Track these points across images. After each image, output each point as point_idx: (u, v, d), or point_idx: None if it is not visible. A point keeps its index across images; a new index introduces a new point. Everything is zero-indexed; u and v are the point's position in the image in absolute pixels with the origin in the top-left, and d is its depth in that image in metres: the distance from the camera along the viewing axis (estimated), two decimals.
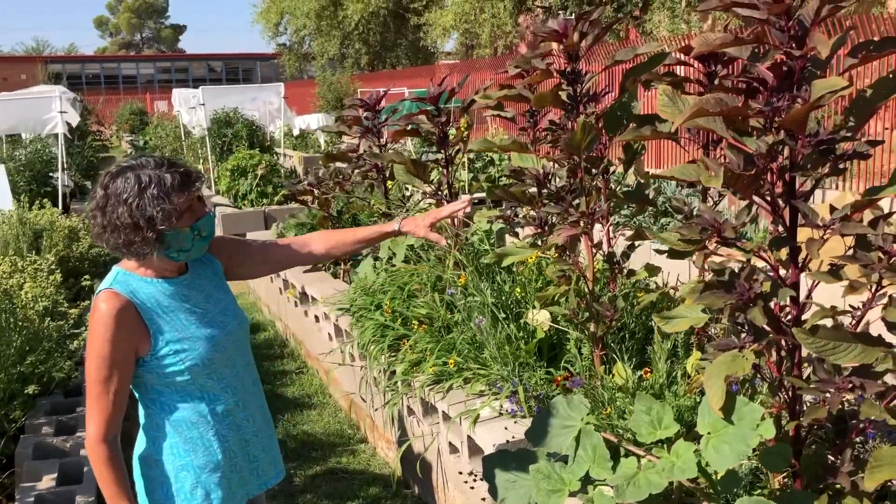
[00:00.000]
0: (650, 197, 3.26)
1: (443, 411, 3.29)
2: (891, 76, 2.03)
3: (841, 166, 2.04)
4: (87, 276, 5.05)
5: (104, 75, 53.26)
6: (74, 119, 10.31)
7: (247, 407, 2.20)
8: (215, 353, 2.09)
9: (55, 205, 7.43)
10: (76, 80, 49.41)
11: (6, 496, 3.17)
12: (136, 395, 2.12)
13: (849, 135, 2.02)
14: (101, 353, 1.94)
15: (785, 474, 2.34)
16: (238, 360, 2.20)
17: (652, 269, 3.32)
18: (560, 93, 3.00)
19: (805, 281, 2.23)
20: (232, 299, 2.24)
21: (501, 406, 3.06)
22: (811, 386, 2.05)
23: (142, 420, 2.13)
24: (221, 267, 2.26)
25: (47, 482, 3.15)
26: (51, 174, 10.10)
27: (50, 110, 9.72)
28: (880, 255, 1.96)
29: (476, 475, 3.06)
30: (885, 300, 2.05)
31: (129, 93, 43.06)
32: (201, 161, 12.23)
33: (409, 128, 4.09)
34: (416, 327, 3.73)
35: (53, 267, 4.76)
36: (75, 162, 12.46)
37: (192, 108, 12.68)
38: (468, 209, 2.62)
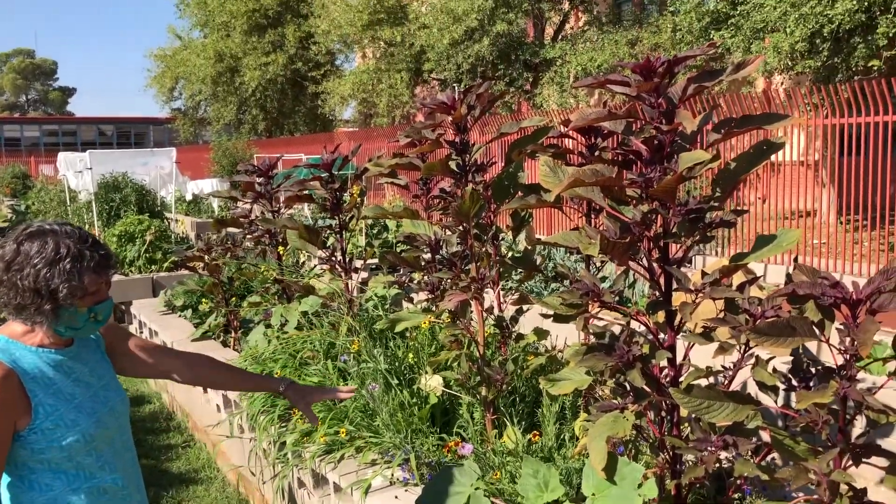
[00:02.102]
0: (538, 263, 3.36)
1: (334, 482, 3.22)
2: (751, 151, 2.19)
3: (710, 234, 2.16)
4: None
5: None
6: None
7: (125, 486, 2.09)
8: (97, 430, 1.98)
9: None
10: None
11: None
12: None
13: (716, 204, 2.16)
14: None
15: None
16: (117, 437, 2.09)
17: (540, 333, 3.39)
18: (450, 162, 3.08)
19: (682, 343, 2.33)
20: (113, 375, 2.14)
21: (393, 475, 3.02)
22: (689, 445, 2.12)
23: (6, 501, 1.98)
24: (104, 343, 2.17)
25: None
26: None
27: None
28: (747, 317, 2.07)
29: None
30: (752, 360, 2.17)
31: (12, 155, 41.26)
32: (87, 226, 11.77)
33: (302, 193, 4.09)
34: None
35: None
36: None
37: (78, 172, 12.25)
38: (352, 395, 2.55)
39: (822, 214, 9.53)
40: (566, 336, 3.95)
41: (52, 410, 1.91)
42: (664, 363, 2.28)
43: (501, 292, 3.48)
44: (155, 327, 6.37)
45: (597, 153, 2.92)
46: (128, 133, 54.48)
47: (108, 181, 11.52)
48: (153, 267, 8.88)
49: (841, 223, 9.03)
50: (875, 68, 9.55)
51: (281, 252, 4.89)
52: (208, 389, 4.86)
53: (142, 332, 6.80)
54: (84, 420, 1.95)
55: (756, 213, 9.10)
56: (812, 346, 4.10)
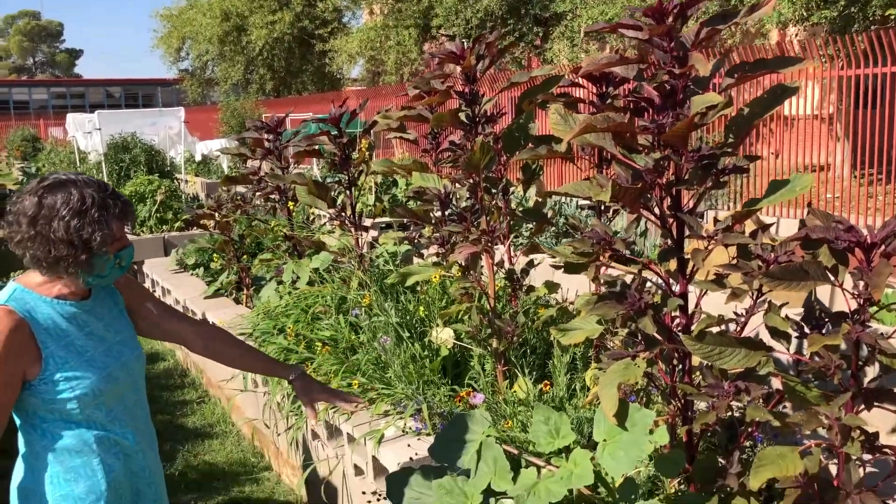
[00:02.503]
0: (548, 216, 3.35)
1: (347, 433, 3.26)
2: (765, 95, 2.16)
3: (722, 180, 2.14)
4: None
5: None
6: None
7: (136, 440, 2.10)
8: (107, 385, 2.00)
9: None
10: None
11: None
12: (17, 420, 2.00)
13: (729, 150, 2.13)
14: None
15: (679, 479, 2.41)
16: (129, 394, 2.10)
17: (551, 286, 3.39)
18: (459, 114, 3.05)
19: (694, 292, 2.33)
20: (133, 332, 2.15)
21: (406, 425, 3.05)
22: (701, 392, 2.12)
23: (21, 448, 2.01)
24: (123, 300, 2.18)
25: None
26: None
27: None
28: (759, 263, 2.06)
29: (381, 495, 3.04)
30: (765, 306, 2.16)
31: (21, 119, 41.23)
32: None
33: (311, 148, 4.07)
34: (320, 349, 3.69)
35: None
36: None
37: (87, 133, 12.24)
38: (360, 408, 2.42)
39: (836, 168, 9.43)
40: (577, 289, 3.95)
41: (62, 363, 1.93)
42: (676, 312, 2.27)
43: (512, 247, 3.47)
44: (167, 286, 6.41)
45: (608, 102, 2.89)
46: (136, 95, 54.30)
47: (118, 142, 11.52)
48: (164, 227, 8.92)
49: (855, 177, 8.94)
50: (893, 17, 9.36)
51: (291, 208, 4.89)
52: None
53: (154, 291, 6.84)
54: (94, 374, 1.97)
55: (769, 168, 9.02)
56: (825, 298, 4.09)
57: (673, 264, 2.27)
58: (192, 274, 6.45)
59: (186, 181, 12.11)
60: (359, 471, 3.25)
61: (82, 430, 1.98)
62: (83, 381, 1.95)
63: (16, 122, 37.44)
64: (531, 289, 3.34)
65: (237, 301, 5.55)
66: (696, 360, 2.34)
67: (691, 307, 2.29)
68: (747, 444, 2.64)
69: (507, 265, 3.37)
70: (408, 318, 3.61)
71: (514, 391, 2.94)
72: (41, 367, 1.91)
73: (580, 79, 2.95)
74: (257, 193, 5.01)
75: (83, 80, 61.11)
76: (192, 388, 5.68)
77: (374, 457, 3.05)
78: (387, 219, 8.07)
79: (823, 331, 2.04)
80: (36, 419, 1.96)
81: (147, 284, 7.25)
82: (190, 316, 2.39)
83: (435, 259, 3.57)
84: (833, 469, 2.25)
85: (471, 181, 3.06)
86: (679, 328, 2.27)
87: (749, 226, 2.58)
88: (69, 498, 1.96)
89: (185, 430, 4.90)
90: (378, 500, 3.04)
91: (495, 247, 3.20)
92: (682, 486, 2.43)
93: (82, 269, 1.91)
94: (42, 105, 51.96)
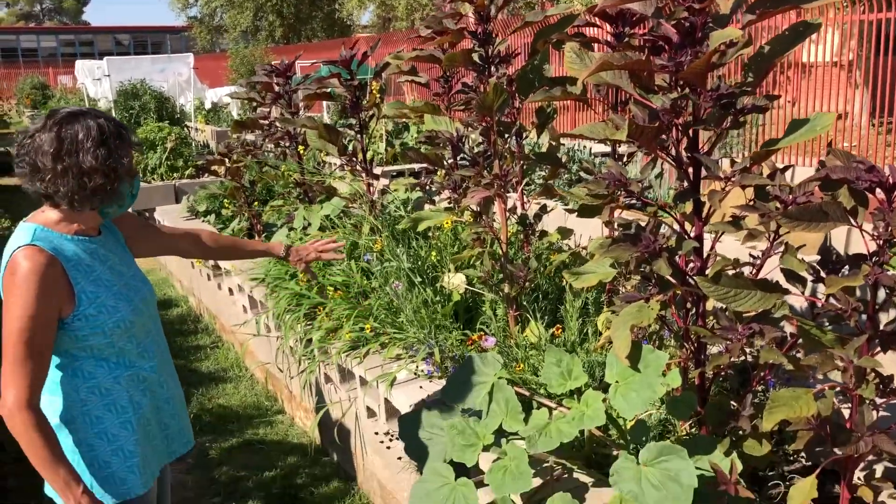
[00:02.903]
0: (562, 161, 3.30)
1: (360, 376, 3.28)
2: (786, 33, 2.10)
3: (742, 119, 2.09)
4: None
5: (1, 48, 50.51)
6: None
7: (160, 373, 2.15)
8: (135, 316, 2.04)
9: None
10: None
11: None
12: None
13: (748, 89, 2.08)
14: (27, 312, 1.81)
15: (691, 422, 2.42)
16: (152, 326, 2.15)
17: (564, 232, 3.37)
18: (472, 54, 2.99)
19: (708, 237, 2.30)
20: (138, 267, 2.19)
21: (418, 368, 3.07)
22: (715, 334, 2.11)
23: (51, 388, 2.03)
24: (122, 234, 2.19)
25: None
26: None
27: None
28: (777, 204, 2.03)
29: (393, 435, 3.07)
30: (781, 248, 2.13)
31: (30, 66, 41.00)
32: None
33: (321, 91, 4.02)
34: (332, 294, 3.69)
35: None
36: None
37: (97, 80, 12.16)
38: (337, 256, 2.78)
39: (854, 117, 9.28)
40: (590, 235, 3.93)
41: (93, 297, 1.95)
42: (690, 255, 2.25)
43: (524, 192, 3.43)
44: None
45: (624, 41, 2.82)
46: (144, 42, 53.80)
47: (127, 88, 11.44)
48: (174, 174, 8.90)
49: (874, 126, 8.80)
50: None
51: (301, 153, 4.85)
52: (234, 291, 4.92)
53: None
54: (123, 306, 2.01)
55: (785, 116, 8.87)
56: (839, 245, 4.05)
57: (688, 207, 2.24)
58: (203, 220, 6.45)
59: (197, 129, 12.06)
60: (371, 413, 3.28)
61: (112, 367, 2.01)
62: (115, 313, 1.98)
63: (24, 69, 37.23)
64: (544, 234, 3.32)
65: None
66: (709, 305, 2.33)
67: (706, 251, 2.27)
68: (759, 388, 2.64)
69: (519, 210, 3.35)
70: (419, 263, 3.61)
71: (526, 336, 2.94)
72: (75, 304, 1.92)
73: (595, 18, 2.89)
74: (267, 139, 4.97)
75: (92, 27, 60.53)
76: (205, 333, 5.73)
77: (386, 399, 3.08)
78: (397, 167, 8.02)
79: (840, 274, 2.01)
80: (68, 358, 1.97)
81: None
82: (173, 227, 2.50)
83: (447, 204, 3.55)
84: (846, 413, 2.25)
85: (483, 124, 3.01)
86: (693, 271, 2.25)
87: (765, 170, 2.53)
88: (103, 435, 2.00)
89: (199, 374, 4.96)
90: (391, 440, 3.07)
91: (507, 192, 3.17)
92: (693, 429, 2.44)
93: (114, 197, 1.95)
94: (51, 52, 51.56)
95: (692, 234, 2.21)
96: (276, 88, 4.69)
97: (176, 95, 12.80)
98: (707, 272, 2.23)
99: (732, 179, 2.06)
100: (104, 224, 2.11)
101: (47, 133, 1.87)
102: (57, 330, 1.92)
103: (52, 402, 2.00)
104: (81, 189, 1.88)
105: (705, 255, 2.26)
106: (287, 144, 4.92)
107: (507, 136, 3.15)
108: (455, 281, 3.35)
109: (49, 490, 2.03)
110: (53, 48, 52.51)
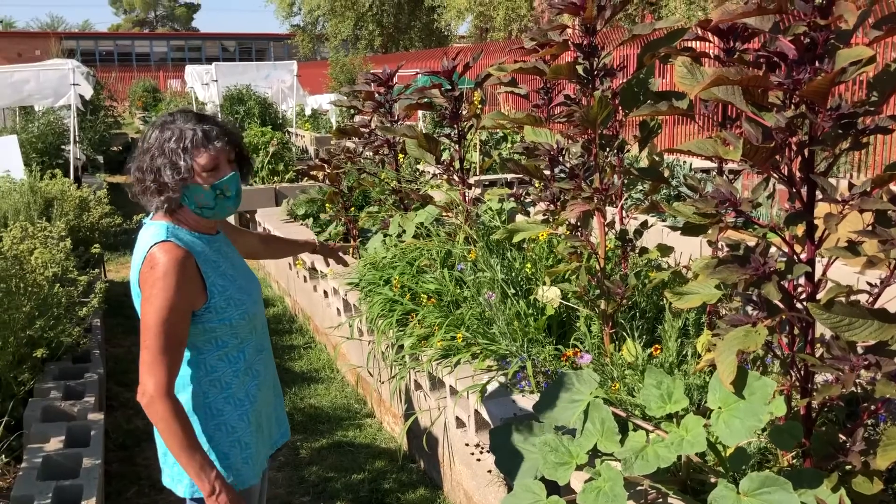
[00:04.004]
0: (664, 176, 3.23)
1: (450, 385, 3.28)
2: None
3: (864, 140, 2.00)
4: (96, 246, 5.07)
5: (118, 52, 53.19)
6: (87, 92, 10.26)
7: (268, 366, 2.23)
8: (255, 308, 2.15)
9: (66, 177, 7.43)
10: (89, 56, 49.29)
11: (14, 458, 3.18)
12: None
13: (872, 109, 1.99)
14: (169, 303, 1.90)
15: (794, 453, 2.32)
16: (264, 320, 2.26)
17: (664, 249, 3.29)
18: (577, 66, 2.97)
19: (819, 261, 2.20)
20: (247, 265, 2.31)
21: (509, 381, 3.05)
22: (825, 363, 2.02)
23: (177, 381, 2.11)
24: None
25: (55, 444, 3.16)
26: (63, 147, 10.07)
27: (63, 83, 9.70)
28: None
29: (483, 448, 3.06)
30: None
31: (143, 70, 42.99)
32: None
33: (422, 101, 4.06)
34: (424, 302, 3.72)
35: (64, 234, 4.77)
36: (87, 136, 12.41)
37: (205, 85, 12.64)
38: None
39: None
40: (690, 253, 3.83)
41: (222, 290, 2.04)
42: (800, 280, 2.16)
43: (623, 206, 3.38)
44: (278, 234, 6.61)
45: (735, 57, 2.74)
46: (249, 49, 55.67)
47: (233, 93, 11.85)
48: (275, 178, 9.15)
49: None
50: None
51: (400, 159, 4.92)
52: (328, 294, 5.02)
53: None
54: (246, 298, 2.10)
55: None
56: None
57: (800, 229, 2.15)
58: (301, 224, 6.61)
59: (297, 134, 12.38)
60: (460, 423, 3.28)
61: (232, 361, 2.10)
62: (240, 305, 2.07)
63: (138, 73, 39.06)
64: (644, 251, 3.25)
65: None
66: (818, 331, 2.23)
67: (817, 275, 2.18)
68: (869, 421, 2.51)
69: (618, 225, 3.29)
70: (513, 275, 3.59)
71: (622, 354, 2.88)
72: (206, 296, 2.01)
73: (706, 32, 2.82)
74: (367, 146, 5.06)
75: (200, 33, 63.12)
76: (299, 333, 5.86)
77: (476, 410, 3.07)
78: (490, 176, 8.02)
79: None
80: (194, 351, 2.06)
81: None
82: (245, 229, 2.67)
83: (542, 216, 3.52)
84: None
85: (585, 137, 2.98)
86: (803, 297, 2.16)
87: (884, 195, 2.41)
88: (222, 427, 2.07)
89: (292, 373, 5.07)
90: (480, 452, 3.06)
91: (606, 206, 3.12)
92: (796, 461, 2.34)
93: (164, 198, 1.97)
94: (162, 57, 53.97)
95: (804, 258, 2.12)
96: (377, 97, 4.77)
97: (279, 101, 13.18)
98: (818, 298, 2.14)
99: (851, 203, 1.97)
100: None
101: (143, 142, 2.06)
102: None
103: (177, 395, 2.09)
104: (144, 189, 2.00)
105: (816, 279, 2.17)
106: (386, 152, 4.99)
107: (608, 149, 3.11)
108: (550, 294, 3.31)
109: (167, 481, 2.11)
110: (164, 53, 54.96)
